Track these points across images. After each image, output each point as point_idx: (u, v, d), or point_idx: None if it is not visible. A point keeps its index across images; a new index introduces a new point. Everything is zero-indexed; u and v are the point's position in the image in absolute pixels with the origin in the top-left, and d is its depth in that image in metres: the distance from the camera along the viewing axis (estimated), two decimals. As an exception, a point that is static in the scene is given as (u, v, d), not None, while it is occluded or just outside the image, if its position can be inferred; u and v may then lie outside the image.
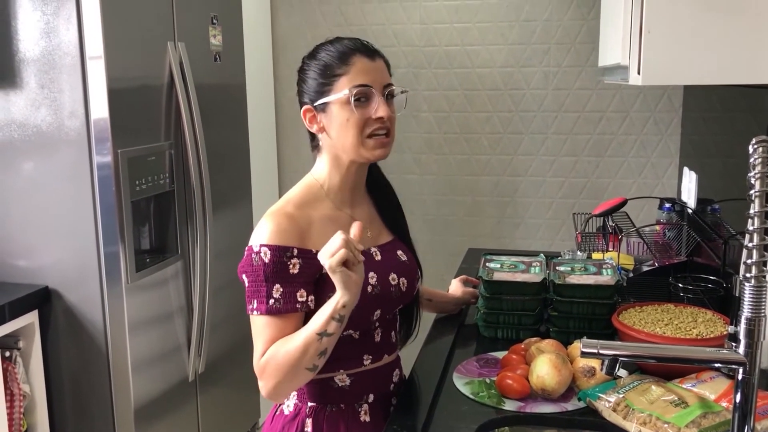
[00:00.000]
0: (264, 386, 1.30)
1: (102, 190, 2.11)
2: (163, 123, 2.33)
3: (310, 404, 1.40)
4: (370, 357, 1.42)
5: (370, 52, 1.38)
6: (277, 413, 1.45)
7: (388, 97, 1.38)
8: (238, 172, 2.87)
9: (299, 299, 1.31)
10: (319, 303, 1.33)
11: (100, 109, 2.07)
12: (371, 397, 1.43)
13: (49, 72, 2.09)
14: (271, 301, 1.30)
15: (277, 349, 1.28)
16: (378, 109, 1.35)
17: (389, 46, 3.28)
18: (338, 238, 1.20)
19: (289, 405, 1.43)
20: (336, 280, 1.21)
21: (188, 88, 2.40)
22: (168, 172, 2.35)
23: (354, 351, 1.39)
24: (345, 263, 1.20)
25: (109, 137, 2.08)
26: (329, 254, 1.20)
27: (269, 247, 1.30)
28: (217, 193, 2.58)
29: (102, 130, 2.08)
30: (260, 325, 1.31)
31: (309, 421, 1.40)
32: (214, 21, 2.62)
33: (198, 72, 2.47)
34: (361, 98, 1.35)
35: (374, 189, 1.53)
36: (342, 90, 1.34)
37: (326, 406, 1.40)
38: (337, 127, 1.36)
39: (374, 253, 1.43)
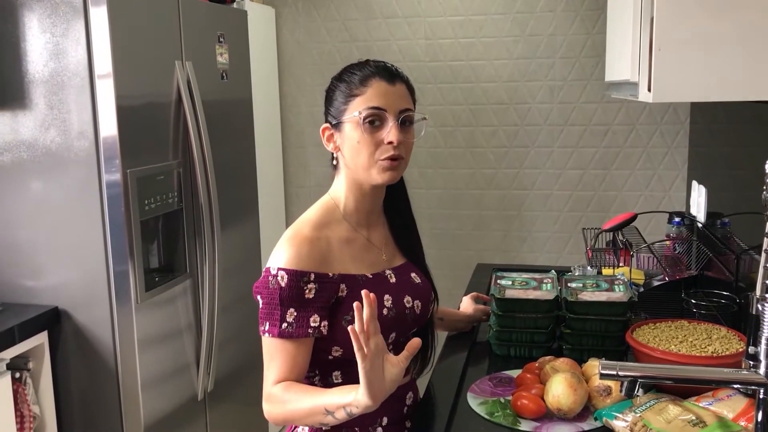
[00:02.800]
0: (267, 411, 1.33)
1: (111, 209, 2.11)
2: (171, 141, 2.34)
3: (324, 429, 1.40)
4: None
5: (390, 75, 1.37)
6: None
7: (405, 122, 1.37)
8: (245, 189, 2.88)
9: (312, 324, 1.31)
10: (333, 327, 1.33)
11: (109, 128, 2.08)
12: (385, 420, 1.43)
13: (58, 93, 2.09)
14: (284, 325, 1.30)
15: (289, 394, 1.29)
16: (389, 133, 1.34)
17: (394, 61, 3.23)
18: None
19: (304, 428, 1.42)
20: (363, 378, 1.17)
21: (196, 106, 2.41)
22: (176, 191, 2.35)
23: None
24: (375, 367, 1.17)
25: (117, 156, 2.09)
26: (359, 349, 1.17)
27: (287, 271, 1.31)
28: (224, 211, 2.58)
29: (111, 150, 2.09)
30: (271, 347, 1.32)
31: None
32: (221, 39, 2.63)
33: (205, 90, 2.48)
34: (375, 121, 1.34)
35: (390, 211, 1.52)
36: (355, 111, 1.35)
37: (341, 429, 1.39)
38: (349, 147, 1.37)
39: (389, 276, 1.43)
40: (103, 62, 2.05)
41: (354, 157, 1.37)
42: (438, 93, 3.30)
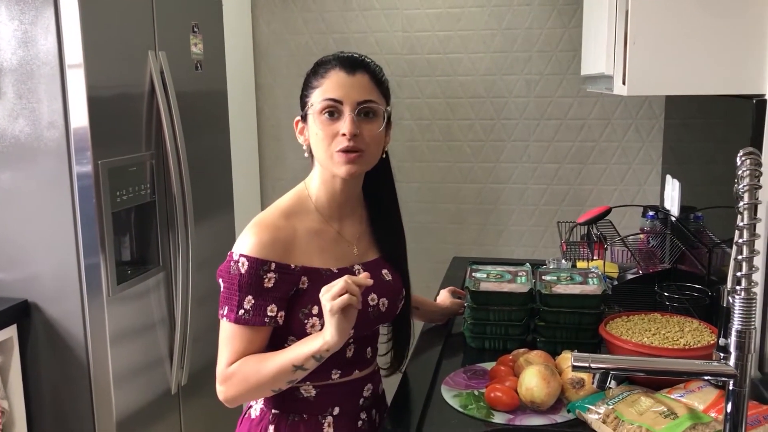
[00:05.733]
0: (223, 392, 1.33)
1: (82, 201, 2.08)
2: (143, 132, 2.30)
3: (273, 411, 1.41)
4: (339, 371, 1.41)
5: (350, 65, 1.34)
6: (245, 416, 1.47)
7: (366, 113, 1.34)
8: (220, 181, 2.85)
9: (268, 314, 1.31)
10: (290, 319, 1.33)
11: (80, 118, 2.04)
12: (336, 410, 1.42)
13: (27, 82, 2.05)
14: (241, 311, 1.30)
15: (248, 366, 1.29)
16: (344, 125, 1.31)
17: (371, 54, 3.25)
18: (342, 281, 1.20)
19: (255, 409, 1.44)
20: (332, 322, 1.21)
21: (169, 97, 2.37)
22: (149, 183, 2.32)
23: (323, 365, 1.38)
24: (347, 309, 1.20)
25: (89, 147, 2.05)
26: (332, 297, 1.19)
27: (248, 258, 1.31)
28: (198, 203, 2.55)
29: (82, 140, 2.05)
30: (228, 332, 1.33)
31: (271, 428, 1.41)
32: (195, 29, 2.60)
33: (179, 80, 2.45)
34: (333, 113, 1.33)
35: (374, 205, 1.49)
36: (313, 102, 1.34)
37: (289, 414, 1.40)
38: (312, 139, 1.37)
39: (357, 271, 1.41)
40: (74, 51, 2.01)
41: (316, 150, 1.36)
42: (415, 86, 3.29)
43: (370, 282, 1.24)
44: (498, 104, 3.23)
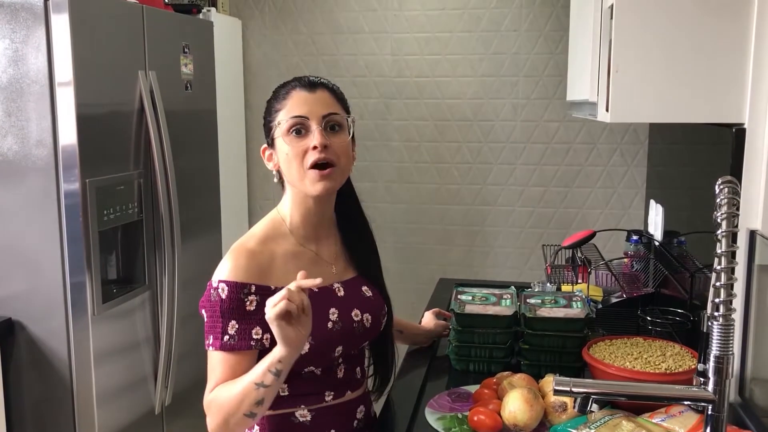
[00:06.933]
0: (209, 422, 1.32)
1: (69, 219, 2.08)
2: (132, 151, 2.31)
3: None
4: (332, 393, 1.41)
5: (309, 84, 1.38)
6: None
7: (332, 127, 1.37)
8: (208, 200, 2.85)
9: (254, 337, 1.30)
10: (275, 341, 1.32)
11: (69, 136, 2.05)
12: None
13: (17, 100, 2.06)
14: (226, 337, 1.30)
15: (221, 392, 1.28)
16: (314, 138, 1.33)
17: (360, 76, 3.31)
18: (285, 289, 1.17)
19: None
20: (275, 332, 1.19)
21: (158, 116, 2.38)
22: (137, 202, 2.32)
23: (315, 387, 1.38)
24: (288, 316, 1.17)
25: (77, 165, 2.06)
26: (271, 305, 1.17)
27: (227, 283, 1.30)
28: (186, 222, 2.55)
29: (70, 159, 2.06)
30: (214, 360, 1.32)
31: None
32: (186, 50, 2.62)
33: (169, 100, 2.46)
34: (300, 130, 1.34)
35: (345, 225, 1.51)
36: (279, 124, 1.36)
37: None
38: (283, 161, 1.37)
39: (337, 289, 1.42)
40: (64, 70, 2.03)
41: (289, 170, 1.37)
42: (404, 108, 3.32)
43: (318, 281, 1.20)
44: (485, 127, 3.27)
